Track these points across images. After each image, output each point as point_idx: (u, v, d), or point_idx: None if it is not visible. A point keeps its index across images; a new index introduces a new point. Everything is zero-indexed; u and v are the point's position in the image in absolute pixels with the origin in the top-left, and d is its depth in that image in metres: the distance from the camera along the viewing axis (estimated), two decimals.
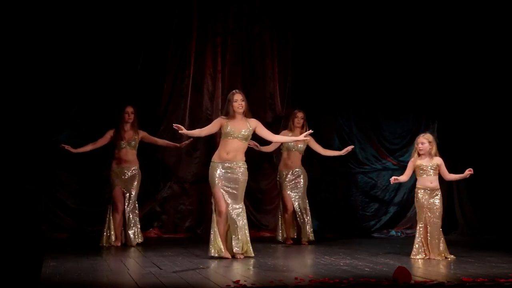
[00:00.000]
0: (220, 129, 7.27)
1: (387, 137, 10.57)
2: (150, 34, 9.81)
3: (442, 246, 7.30)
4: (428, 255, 7.24)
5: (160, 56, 9.91)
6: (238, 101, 7.23)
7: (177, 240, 9.27)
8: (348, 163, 10.41)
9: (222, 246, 7.02)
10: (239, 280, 5.35)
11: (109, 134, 8.52)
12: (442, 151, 10.57)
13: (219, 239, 7.03)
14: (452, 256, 7.26)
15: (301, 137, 7.42)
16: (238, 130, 7.16)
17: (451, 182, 10.53)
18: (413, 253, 7.29)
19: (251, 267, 6.45)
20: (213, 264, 6.64)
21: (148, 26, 9.78)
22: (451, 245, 7.45)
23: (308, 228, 8.80)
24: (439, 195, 7.41)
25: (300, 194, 8.87)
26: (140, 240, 8.48)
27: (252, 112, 10.08)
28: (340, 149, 10.33)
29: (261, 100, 10.23)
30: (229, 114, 7.24)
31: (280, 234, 8.95)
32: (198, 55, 10.02)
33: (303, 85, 10.36)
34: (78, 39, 9.48)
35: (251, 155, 9.25)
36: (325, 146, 10.22)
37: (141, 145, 9.18)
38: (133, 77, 9.74)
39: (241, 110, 7.22)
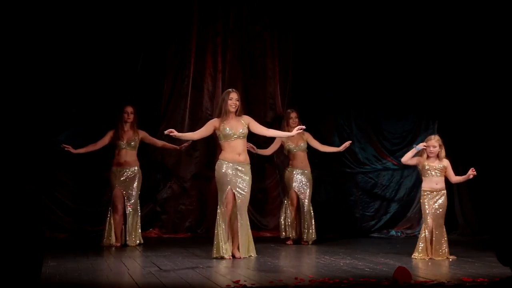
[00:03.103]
0: (214, 131, 7.23)
1: (387, 137, 10.56)
2: (150, 34, 9.81)
3: (445, 246, 7.31)
4: (430, 255, 7.24)
5: (160, 56, 9.90)
6: (233, 99, 7.17)
7: (177, 240, 9.26)
8: (348, 163, 10.41)
9: (228, 247, 7.06)
10: (239, 280, 5.35)
11: (109, 135, 8.53)
12: None
13: (225, 239, 7.05)
14: (453, 256, 7.26)
15: (294, 131, 7.41)
16: (236, 129, 7.14)
17: (451, 182, 10.54)
18: (415, 252, 7.28)
19: (251, 267, 6.45)
20: (213, 264, 6.64)
21: (148, 26, 9.77)
22: (451, 245, 7.45)
23: (312, 231, 8.83)
24: (444, 196, 7.41)
25: (306, 196, 8.88)
26: (139, 241, 8.48)
27: (252, 112, 10.14)
28: None
29: (261, 100, 10.23)
30: (222, 113, 7.19)
31: (284, 233, 8.95)
32: (198, 55, 10.02)
33: (304, 85, 10.36)
34: (78, 39, 9.47)
35: (251, 155, 9.28)
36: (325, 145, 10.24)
37: (141, 145, 9.17)
38: (133, 77, 9.74)
39: (234, 110, 7.17)
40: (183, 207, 9.97)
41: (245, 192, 7.13)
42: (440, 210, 7.38)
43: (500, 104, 10.40)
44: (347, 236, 9.96)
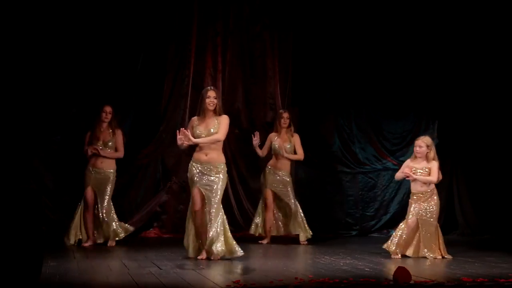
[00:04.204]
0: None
1: (387, 137, 10.57)
2: (150, 34, 9.81)
3: (442, 246, 7.31)
4: (403, 253, 7.25)
5: (160, 56, 9.90)
6: (211, 97, 7.02)
7: (177, 240, 9.22)
8: (348, 163, 10.41)
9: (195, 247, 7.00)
10: (239, 280, 5.35)
11: (87, 138, 8.40)
12: (442, 151, 10.61)
13: (191, 240, 6.98)
14: (449, 256, 7.25)
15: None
16: (207, 129, 6.97)
17: (451, 182, 10.56)
18: (391, 246, 7.29)
19: (251, 267, 6.45)
20: (213, 264, 6.64)
21: (148, 26, 9.77)
22: (451, 245, 7.45)
23: (306, 229, 8.80)
24: (432, 197, 7.39)
25: (290, 196, 8.85)
26: (121, 235, 8.35)
27: (252, 112, 10.14)
28: (341, 149, 10.43)
29: (261, 100, 10.23)
30: (201, 111, 7.07)
31: (253, 228, 8.93)
32: (198, 55, 10.02)
33: (304, 85, 10.37)
34: (78, 39, 9.47)
35: (251, 155, 9.27)
36: (326, 146, 10.28)
37: (141, 145, 9.19)
38: (133, 77, 9.74)
39: (212, 108, 7.01)
40: (183, 207, 9.94)
41: (213, 188, 6.88)
42: (430, 211, 7.34)
43: (499, 104, 10.41)
44: (347, 236, 9.96)
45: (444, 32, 10.39)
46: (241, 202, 10.01)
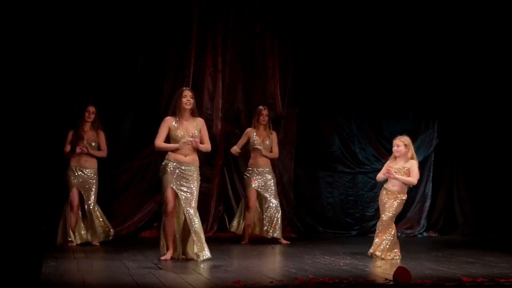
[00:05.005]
0: (168, 131, 6.96)
1: (387, 137, 10.56)
2: (150, 34, 9.81)
3: (388, 244, 7.22)
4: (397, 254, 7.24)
5: (160, 56, 9.90)
6: (187, 97, 6.94)
7: None
8: (348, 163, 10.41)
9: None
10: (239, 280, 5.35)
11: (70, 136, 8.38)
12: (442, 151, 10.64)
13: (168, 238, 6.92)
14: (392, 256, 7.16)
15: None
16: (187, 131, 6.91)
17: (451, 182, 10.56)
18: (372, 248, 7.28)
19: (251, 267, 6.45)
20: (213, 264, 6.64)
21: (148, 26, 9.77)
22: (451, 245, 7.44)
23: (278, 227, 8.73)
24: (398, 201, 7.26)
25: (272, 193, 8.81)
26: (105, 236, 8.37)
27: (252, 112, 10.13)
28: (341, 149, 10.42)
29: (261, 100, 10.21)
30: (176, 111, 6.97)
31: (233, 225, 8.90)
32: (198, 55, 10.01)
33: (304, 84, 10.37)
34: (79, 39, 9.46)
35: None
36: (325, 145, 10.26)
37: (142, 145, 9.17)
38: (133, 77, 9.74)
39: (189, 107, 6.94)
40: None
41: (189, 192, 6.85)
42: (388, 208, 7.23)
43: (499, 103, 10.41)
44: (347, 236, 9.96)
45: (444, 32, 10.39)
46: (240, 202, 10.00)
